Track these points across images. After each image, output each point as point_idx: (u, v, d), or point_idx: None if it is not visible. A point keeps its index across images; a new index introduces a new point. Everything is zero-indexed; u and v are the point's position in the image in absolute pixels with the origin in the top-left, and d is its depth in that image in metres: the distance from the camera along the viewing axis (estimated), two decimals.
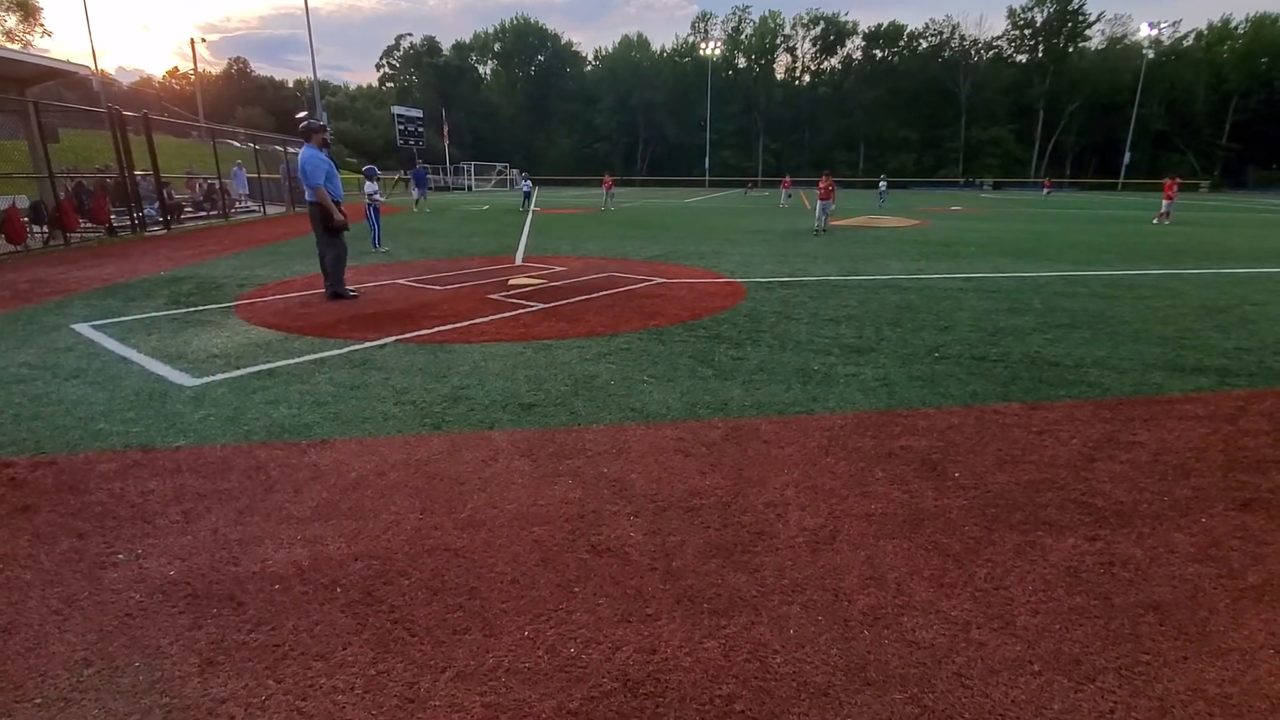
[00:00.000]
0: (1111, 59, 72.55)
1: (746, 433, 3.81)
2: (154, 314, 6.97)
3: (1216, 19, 74.61)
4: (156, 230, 16.22)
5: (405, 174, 13.72)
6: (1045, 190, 47.35)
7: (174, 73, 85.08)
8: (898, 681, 1.96)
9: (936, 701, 1.89)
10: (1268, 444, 3.69)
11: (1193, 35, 73.83)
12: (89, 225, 14.64)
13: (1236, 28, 72.09)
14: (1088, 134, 74.05)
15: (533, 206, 27.63)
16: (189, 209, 19.63)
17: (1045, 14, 74.63)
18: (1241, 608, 2.31)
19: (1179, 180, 22.76)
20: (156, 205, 16.76)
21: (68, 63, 17.01)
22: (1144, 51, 64.27)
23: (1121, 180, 62.62)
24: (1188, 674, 2.00)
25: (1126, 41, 73.29)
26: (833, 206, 17.22)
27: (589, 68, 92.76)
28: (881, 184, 33.92)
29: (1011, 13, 76.21)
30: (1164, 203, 21.55)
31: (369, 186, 13.38)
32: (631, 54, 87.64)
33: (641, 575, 2.48)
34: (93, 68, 35.59)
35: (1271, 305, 7.58)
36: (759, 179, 68.17)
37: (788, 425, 3.93)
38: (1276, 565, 2.56)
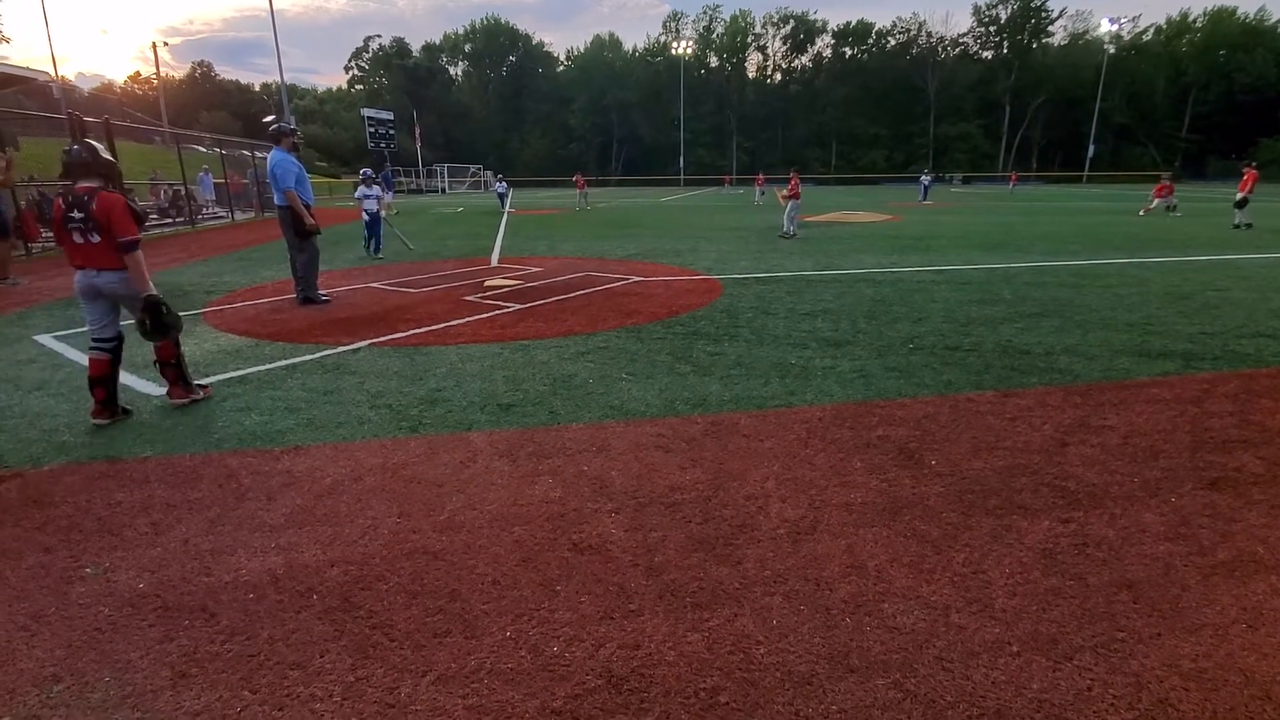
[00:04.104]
0: (1074, 54, 74.19)
1: (726, 427, 3.82)
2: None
3: (1175, 13, 76.86)
4: None
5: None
6: (1012, 184, 48.20)
7: (135, 77, 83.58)
8: (880, 667, 1.97)
9: (919, 686, 1.90)
10: (1232, 424, 3.78)
11: (1152, 30, 75.97)
12: (51, 235, 14.23)
13: (1194, 21, 74.16)
14: (1052, 128, 75.57)
15: (507, 208, 27.47)
16: (154, 216, 19.17)
17: (1009, 11, 76.00)
18: (1212, 584, 2.36)
19: (1169, 183, 22.06)
20: None
21: (27, 69, 16.56)
22: (1105, 46, 65.73)
23: (1086, 173, 63.97)
24: (1162, 650, 2.04)
25: (1088, 37, 75.08)
26: (799, 204, 16.12)
27: (561, 68, 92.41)
28: (925, 178, 33.14)
29: (976, 10, 77.56)
30: (1155, 200, 21.14)
31: (372, 190, 12.48)
32: (604, 54, 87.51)
33: (624, 571, 2.47)
34: (52, 74, 34.59)
35: (1233, 290, 7.79)
36: (734, 177, 68.61)
37: (767, 419, 3.95)
38: (1245, 542, 2.62)
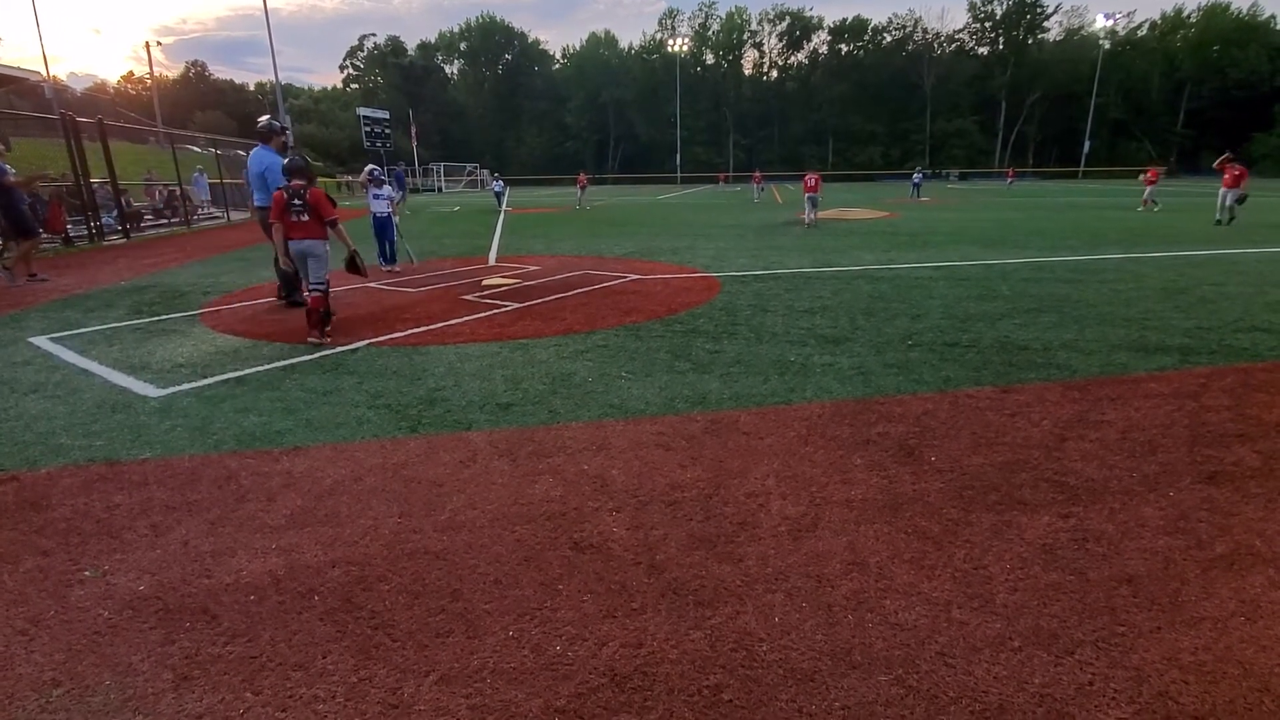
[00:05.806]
0: (1069, 50, 74.24)
1: (726, 425, 3.82)
2: (115, 324, 6.78)
3: (1169, 9, 77.03)
4: (115, 239, 15.75)
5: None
6: (1009, 180, 48.22)
7: (129, 77, 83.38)
8: (882, 663, 1.98)
9: (921, 681, 1.91)
10: (1229, 419, 3.80)
11: (1147, 25, 76.08)
12: (44, 235, 14.17)
13: (1189, 17, 74.34)
14: (1049, 124, 75.70)
15: (504, 206, 27.42)
16: (149, 216, 19.10)
17: (1004, 6, 76.08)
18: (1211, 577, 2.37)
19: (1155, 169, 22.17)
20: (115, 213, 16.29)
21: (18, 69, 16.49)
22: (1100, 42, 65.92)
23: (1082, 168, 64.08)
24: (1162, 644, 2.04)
25: (1083, 33, 75.08)
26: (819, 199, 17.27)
27: (557, 66, 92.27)
28: (916, 176, 33.60)
29: (972, 6, 77.55)
30: (1147, 189, 21.10)
31: (382, 191, 10.63)
32: (600, 51, 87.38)
33: (625, 570, 2.47)
34: (44, 74, 34.46)
35: (1228, 285, 7.81)
36: (730, 174, 68.61)
37: (766, 416, 3.95)
38: (1243, 535, 2.63)
